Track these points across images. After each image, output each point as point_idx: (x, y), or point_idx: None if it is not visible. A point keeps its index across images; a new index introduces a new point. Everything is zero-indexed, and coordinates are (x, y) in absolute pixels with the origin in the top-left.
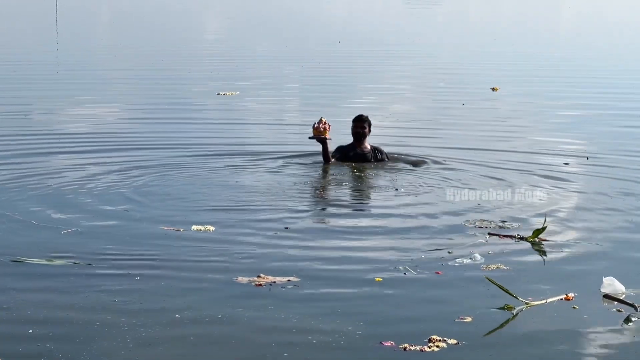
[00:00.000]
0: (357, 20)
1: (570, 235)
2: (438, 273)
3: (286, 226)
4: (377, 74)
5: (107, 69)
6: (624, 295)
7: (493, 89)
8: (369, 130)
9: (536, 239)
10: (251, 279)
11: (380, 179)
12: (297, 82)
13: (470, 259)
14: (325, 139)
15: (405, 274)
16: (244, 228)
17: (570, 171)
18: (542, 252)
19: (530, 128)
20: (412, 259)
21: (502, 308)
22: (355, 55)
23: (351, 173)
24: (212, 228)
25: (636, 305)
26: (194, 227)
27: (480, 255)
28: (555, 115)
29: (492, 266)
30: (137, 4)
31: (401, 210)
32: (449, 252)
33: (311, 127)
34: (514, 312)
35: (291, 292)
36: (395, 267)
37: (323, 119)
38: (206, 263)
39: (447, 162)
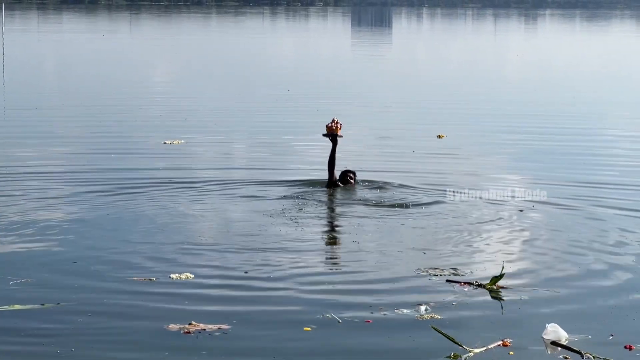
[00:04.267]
0: (307, 68)
1: (523, 281)
2: (368, 322)
3: (246, 271)
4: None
5: (52, 117)
6: (567, 342)
7: (439, 136)
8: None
9: (494, 286)
10: (182, 326)
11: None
12: (245, 130)
13: (415, 310)
14: (337, 136)
15: (339, 322)
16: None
17: (523, 216)
18: (496, 299)
19: (478, 174)
20: (357, 308)
21: (449, 357)
22: (304, 103)
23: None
24: (191, 275)
25: (582, 352)
26: (173, 276)
27: (426, 305)
28: (502, 160)
29: (435, 315)
30: (83, 52)
31: (352, 257)
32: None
33: (325, 126)
34: (462, 359)
35: (217, 339)
36: (349, 317)
37: (335, 118)
38: (140, 309)
39: (409, 207)
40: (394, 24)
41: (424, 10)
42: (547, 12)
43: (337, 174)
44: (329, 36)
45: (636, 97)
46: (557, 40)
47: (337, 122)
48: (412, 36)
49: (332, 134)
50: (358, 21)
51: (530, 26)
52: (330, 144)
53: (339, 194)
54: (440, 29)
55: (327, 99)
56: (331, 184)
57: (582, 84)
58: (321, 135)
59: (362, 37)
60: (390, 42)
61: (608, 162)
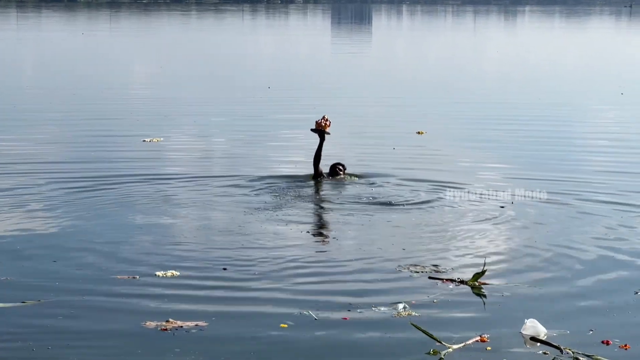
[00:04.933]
0: (287, 65)
1: (504, 277)
2: (345, 319)
3: (224, 267)
4: (306, 120)
5: (31, 115)
6: (545, 337)
7: (419, 133)
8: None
9: (476, 282)
10: (159, 323)
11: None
12: (225, 127)
13: (394, 308)
14: (325, 132)
15: (315, 319)
16: (169, 270)
17: (504, 213)
18: (477, 295)
19: (459, 171)
20: (336, 305)
21: (428, 354)
22: (284, 101)
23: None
24: (176, 273)
25: (562, 347)
26: (158, 273)
27: (405, 302)
28: (483, 156)
29: (414, 312)
30: (63, 50)
31: (333, 254)
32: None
33: (314, 122)
34: (441, 355)
35: (193, 336)
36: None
37: (325, 116)
38: (119, 307)
39: (392, 203)
40: (374, 21)
41: (404, 7)
42: (527, 8)
43: (327, 167)
44: (309, 33)
45: (614, 92)
46: (536, 37)
47: (326, 120)
48: (392, 33)
49: (320, 130)
50: (338, 18)
51: (510, 23)
52: (318, 139)
53: (322, 190)
54: (420, 25)
55: (307, 95)
56: (317, 176)
57: (561, 79)
58: (309, 130)
59: (342, 34)
60: (370, 38)
61: (589, 157)
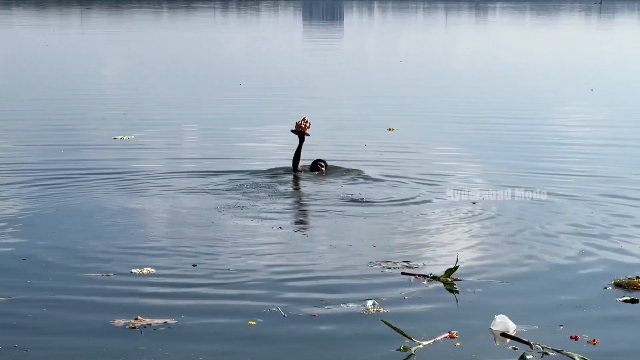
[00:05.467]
0: (258, 62)
1: (477, 273)
2: (313, 315)
3: (194, 264)
4: (278, 116)
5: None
6: (515, 333)
7: (390, 129)
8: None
9: (448, 278)
10: (127, 321)
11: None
12: (197, 124)
13: (363, 305)
14: (304, 134)
15: (284, 315)
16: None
17: (475, 209)
18: (449, 291)
19: (431, 167)
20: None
21: (398, 350)
22: (256, 98)
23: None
24: (152, 270)
25: (531, 342)
26: (135, 271)
27: (374, 299)
28: (454, 152)
29: (385, 309)
30: (33, 47)
31: (304, 251)
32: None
33: (294, 123)
34: (411, 352)
35: (161, 334)
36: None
37: (305, 117)
38: (87, 305)
39: (363, 200)
40: (345, 18)
41: (375, 4)
42: (498, 5)
43: (308, 163)
44: (280, 30)
45: (584, 88)
46: (507, 33)
47: (306, 121)
48: (363, 29)
49: (300, 131)
50: (309, 15)
51: (481, 19)
52: (298, 140)
53: (294, 186)
54: (392, 22)
55: (279, 93)
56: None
57: (531, 75)
58: (289, 131)
59: (313, 31)
60: (342, 36)
61: (559, 153)
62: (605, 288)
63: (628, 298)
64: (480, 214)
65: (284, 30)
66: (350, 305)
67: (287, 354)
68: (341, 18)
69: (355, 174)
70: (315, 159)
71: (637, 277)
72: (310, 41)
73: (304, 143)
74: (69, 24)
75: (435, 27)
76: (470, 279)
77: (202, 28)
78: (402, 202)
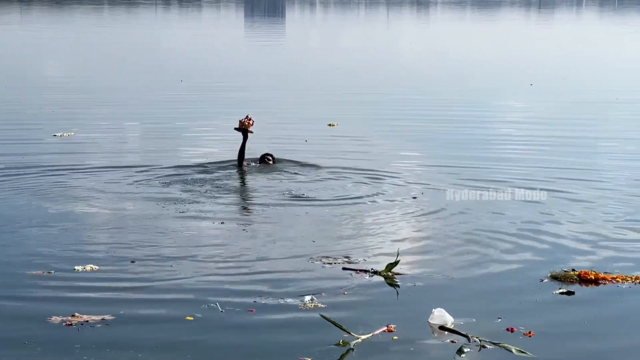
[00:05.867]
0: (200, 59)
1: (418, 267)
2: (251, 311)
3: (133, 260)
4: (221, 113)
5: None
6: (453, 326)
7: (330, 125)
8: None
9: (389, 272)
10: (64, 318)
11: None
12: (137, 122)
13: (301, 300)
14: (248, 131)
15: (221, 311)
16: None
17: (416, 203)
18: (389, 285)
19: (372, 162)
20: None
21: (337, 344)
22: (197, 94)
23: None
24: (95, 267)
25: (469, 335)
26: (77, 268)
27: (312, 295)
28: (395, 147)
29: (323, 304)
30: None
31: (244, 246)
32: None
33: (238, 121)
34: (350, 346)
35: (98, 330)
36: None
37: (249, 115)
38: (25, 303)
39: (304, 195)
40: (287, 14)
41: (317, 0)
42: (439, 0)
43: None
44: (222, 27)
45: (524, 82)
46: (448, 29)
47: (250, 119)
48: (305, 25)
49: (243, 128)
50: (251, 11)
51: (422, 15)
52: (242, 137)
53: (236, 182)
54: (334, 18)
55: (220, 89)
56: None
57: (472, 70)
58: (233, 129)
59: (255, 27)
60: (284, 32)
61: (500, 147)
62: (542, 281)
63: (564, 290)
64: (421, 209)
65: (225, 27)
66: (289, 300)
67: (223, 350)
68: (283, 14)
69: (298, 169)
70: (261, 154)
71: (573, 270)
72: (252, 37)
73: (247, 140)
74: (9, 20)
75: (376, 23)
76: (410, 273)
77: (144, 24)
78: (344, 197)
